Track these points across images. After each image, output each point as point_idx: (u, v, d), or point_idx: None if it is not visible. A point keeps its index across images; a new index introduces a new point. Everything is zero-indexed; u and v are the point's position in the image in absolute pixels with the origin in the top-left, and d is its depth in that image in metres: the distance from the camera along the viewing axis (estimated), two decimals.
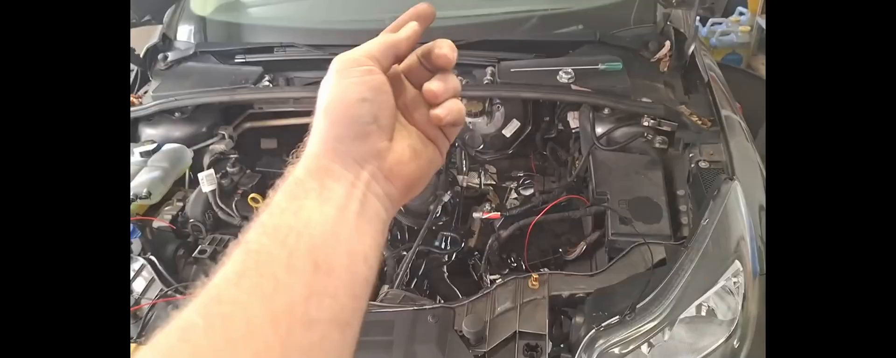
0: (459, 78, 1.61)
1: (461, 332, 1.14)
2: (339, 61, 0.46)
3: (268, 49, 1.80)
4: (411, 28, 0.50)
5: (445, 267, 1.61)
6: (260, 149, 2.02)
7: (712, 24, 3.54)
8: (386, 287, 1.39)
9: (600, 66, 1.60)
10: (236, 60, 1.82)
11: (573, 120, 1.71)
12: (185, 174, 1.74)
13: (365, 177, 0.45)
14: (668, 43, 1.68)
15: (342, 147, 0.45)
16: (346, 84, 0.45)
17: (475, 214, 1.57)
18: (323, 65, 1.75)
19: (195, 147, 1.78)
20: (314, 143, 0.45)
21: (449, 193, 1.55)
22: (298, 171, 0.44)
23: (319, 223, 0.41)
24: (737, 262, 1.20)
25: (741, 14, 3.58)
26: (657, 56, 1.68)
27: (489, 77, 1.60)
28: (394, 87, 0.48)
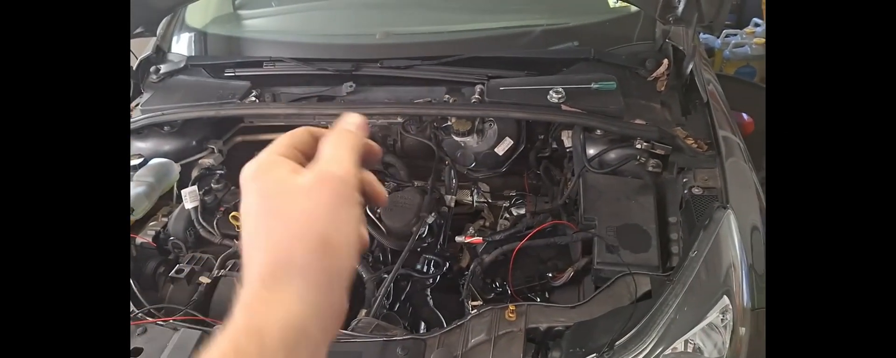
0: (447, 96, 1.57)
1: None
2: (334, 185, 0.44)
3: (257, 63, 1.77)
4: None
5: (430, 290, 1.57)
6: None
7: (726, 36, 3.44)
8: (363, 312, 1.35)
9: (593, 86, 1.54)
10: (226, 74, 1.80)
11: (567, 139, 1.66)
12: (172, 189, 1.72)
13: None
14: (665, 61, 1.62)
15: None
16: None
17: (458, 238, 1.52)
18: (312, 80, 1.75)
19: (184, 161, 1.76)
20: None
21: (434, 214, 1.51)
22: None
23: None
24: (725, 297, 1.15)
25: (757, 25, 3.48)
26: (654, 75, 1.61)
27: (477, 96, 1.56)
28: None
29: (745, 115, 3.11)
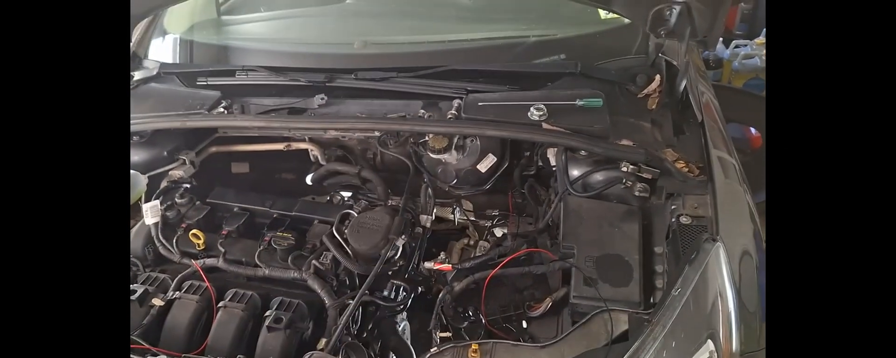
0: (422, 111, 1.48)
1: None
2: None
3: (230, 72, 1.69)
4: None
5: (407, 315, 1.48)
6: (231, 174, 1.92)
7: (736, 47, 3.32)
8: (322, 341, 1.26)
9: (579, 102, 1.45)
10: (198, 83, 1.73)
11: (553, 157, 1.56)
12: (140, 200, 1.65)
13: None
14: (658, 77, 1.51)
15: None
16: None
17: (426, 265, 1.43)
18: (285, 91, 1.67)
19: (153, 172, 1.69)
20: None
21: (403, 236, 1.41)
22: None
23: None
24: (710, 341, 1.04)
25: None
26: (645, 91, 1.51)
27: (454, 111, 1.46)
28: None
29: (752, 130, 2.99)
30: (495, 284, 1.35)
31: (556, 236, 1.42)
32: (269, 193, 1.64)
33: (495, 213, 1.69)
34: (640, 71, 1.53)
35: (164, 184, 1.70)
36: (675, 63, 1.53)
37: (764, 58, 3.17)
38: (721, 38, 3.04)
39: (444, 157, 1.55)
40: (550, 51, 1.65)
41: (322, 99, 1.54)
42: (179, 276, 1.40)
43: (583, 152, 1.42)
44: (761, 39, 3.31)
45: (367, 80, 1.55)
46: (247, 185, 1.86)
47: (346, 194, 1.72)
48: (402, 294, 1.42)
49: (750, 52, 3.24)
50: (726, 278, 1.10)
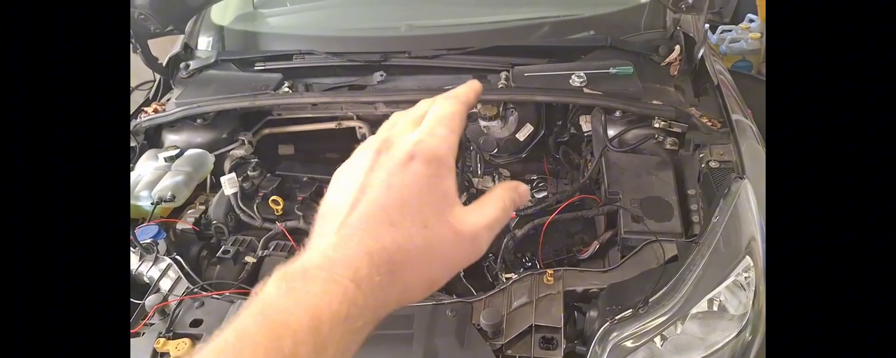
0: None
1: (479, 325, 1.17)
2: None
3: (287, 57, 1.85)
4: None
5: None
6: (277, 155, 2.07)
7: (722, 32, 3.57)
8: None
9: (611, 70, 1.64)
10: (256, 68, 1.88)
11: (585, 124, 1.75)
12: (207, 178, 1.79)
13: None
14: (677, 47, 1.72)
15: None
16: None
17: None
18: (340, 71, 1.83)
19: (216, 152, 1.83)
20: None
21: (465, 194, 1.59)
22: None
23: None
24: (747, 257, 1.23)
25: (751, 21, 3.61)
26: (667, 60, 1.71)
27: (504, 81, 1.64)
28: None
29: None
30: (549, 230, 1.53)
31: (596, 191, 1.61)
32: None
33: (534, 177, 1.88)
34: (661, 43, 1.73)
35: (228, 162, 1.85)
36: (691, 35, 1.74)
37: (749, 41, 3.43)
38: (708, 25, 3.30)
39: (491, 124, 1.73)
40: (578, 28, 1.85)
41: (381, 75, 1.71)
42: (265, 237, 1.56)
43: (618, 114, 1.61)
44: (745, 24, 3.57)
45: (420, 57, 1.72)
46: (295, 163, 2.01)
47: None
48: None
49: (736, 37, 3.50)
50: (754, 208, 1.29)
